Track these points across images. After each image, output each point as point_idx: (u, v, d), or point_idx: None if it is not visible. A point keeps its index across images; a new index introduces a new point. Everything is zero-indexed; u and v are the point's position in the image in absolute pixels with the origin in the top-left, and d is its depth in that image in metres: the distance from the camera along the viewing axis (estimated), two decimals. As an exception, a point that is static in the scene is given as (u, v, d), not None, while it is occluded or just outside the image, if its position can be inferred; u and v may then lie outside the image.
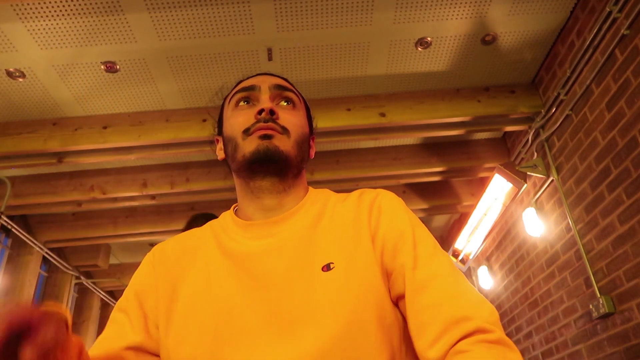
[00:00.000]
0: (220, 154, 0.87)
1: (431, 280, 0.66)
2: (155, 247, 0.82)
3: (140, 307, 0.76)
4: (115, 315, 0.77)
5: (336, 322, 0.64)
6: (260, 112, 0.78)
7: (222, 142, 0.87)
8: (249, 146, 0.77)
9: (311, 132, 0.88)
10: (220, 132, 0.89)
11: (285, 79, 0.89)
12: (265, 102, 0.81)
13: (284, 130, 0.78)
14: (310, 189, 0.86)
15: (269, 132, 0.77)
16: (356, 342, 0.63)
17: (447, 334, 0.60)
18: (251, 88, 0.84)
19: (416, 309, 0.65)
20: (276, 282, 0.68)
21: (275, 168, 0.77)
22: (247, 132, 0.78)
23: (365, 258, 0.70)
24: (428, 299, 0.64)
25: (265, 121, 0.77)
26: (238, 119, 0.81)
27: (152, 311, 0.75)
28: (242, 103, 0.83)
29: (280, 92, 0.84)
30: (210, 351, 0.65)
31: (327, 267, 0.68)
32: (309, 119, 0.90)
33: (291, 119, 0.81)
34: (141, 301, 0.76)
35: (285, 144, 0.77)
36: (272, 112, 0.78)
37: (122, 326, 0.74)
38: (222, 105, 0.90)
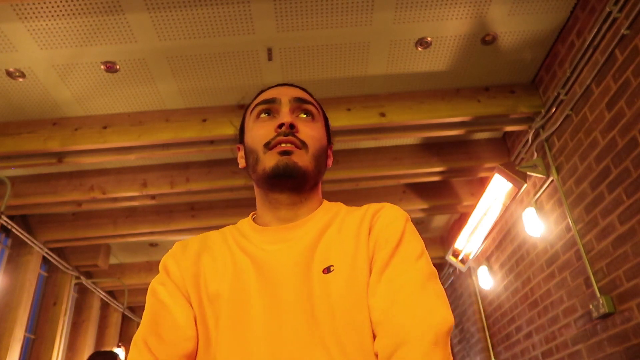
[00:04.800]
0: (242, 162, 0.92)
1: (391, 282, 0.71)
2: (176, 244, 0.87)
3: (183, 295, 0.79)
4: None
5: (334, 321, 0.69)
6: (280, 126, 0.83)
7: (243, 151, 0.92)
8: (269, 161, 0.81)
9: (329, 142, 0.93)
10: (241, 140, 0.93)
11: (305, 90, 0.93)
12: (285, 115, 0.85)
13: (303, 145, 0.83)
14: (325, 201, 0.91)
15: (289, 147, 0.81)
16: (352, 342, 0.68)
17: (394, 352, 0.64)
18: (272, 101, 0.88)
19: (371, 307, 0.70)
20: (281, 279, 0.75)
21: (293, 183, 0.83)
22: (267, 145, 0.82)
23: (363, 262, 0.75)
24: (379, 302, 0.69)
25: (285, 135, 0.82)
26: (259, 132, 0.85)
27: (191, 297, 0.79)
28: (263, 115, 0.88)
29: (300, 104, 0.88)
30: (231, 340, 0.71)
31: (327, 270, 0.74)
32: (327, 128, 0.94)
33: (310, 132, 0.85)
34: (180, 289, 0.80)
35: (303, 159, 0.82)
36: (292, 126, 0.83)
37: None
38: (244, 115, 0.95)
